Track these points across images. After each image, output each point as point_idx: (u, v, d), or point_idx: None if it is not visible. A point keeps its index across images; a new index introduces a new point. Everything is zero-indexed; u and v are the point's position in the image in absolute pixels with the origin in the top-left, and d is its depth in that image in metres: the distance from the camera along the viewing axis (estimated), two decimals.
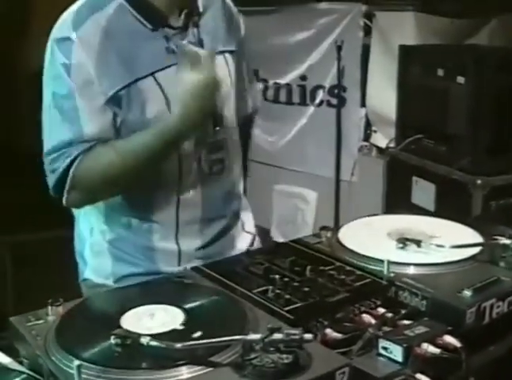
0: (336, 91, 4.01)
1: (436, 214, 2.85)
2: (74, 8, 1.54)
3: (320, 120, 4.13)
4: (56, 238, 2.62)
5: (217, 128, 1.61)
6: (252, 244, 1.82)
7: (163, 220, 1.63)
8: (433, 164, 3.14)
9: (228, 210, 1.75)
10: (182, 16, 1.60)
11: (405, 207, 3.18)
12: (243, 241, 1.79)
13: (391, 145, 3.55)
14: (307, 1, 4.05)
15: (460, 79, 2.94)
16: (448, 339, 1.12)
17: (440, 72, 3.07)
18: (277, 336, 1.01)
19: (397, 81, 3.46)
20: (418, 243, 1.42)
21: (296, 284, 1.29)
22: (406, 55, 3.33)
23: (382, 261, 1.35)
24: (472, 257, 1.40)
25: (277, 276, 1.32)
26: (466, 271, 1.35)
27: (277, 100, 4.36)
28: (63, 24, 1.52)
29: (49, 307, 1.21)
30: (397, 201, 3.32)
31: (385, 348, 1.10)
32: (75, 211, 1.73)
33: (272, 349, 1.00)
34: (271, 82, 4.34)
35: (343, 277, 1.33)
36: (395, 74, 3.49)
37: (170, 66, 1.55)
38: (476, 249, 1.42)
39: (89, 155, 1.51)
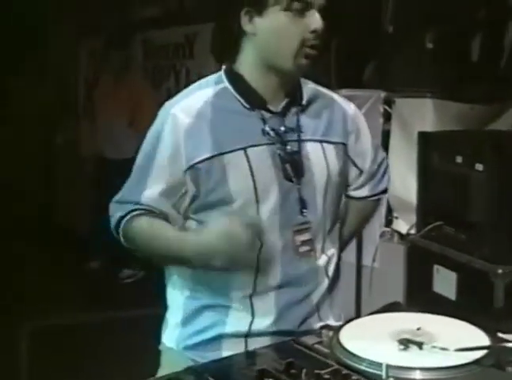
0: None
1: (457, 303, 2.80)
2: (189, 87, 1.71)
3: None
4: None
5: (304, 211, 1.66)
6: None
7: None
8: (454, 251, 3.08)
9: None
10: (283, 103, 1.67)
11: (426, 295, 3.12)
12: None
13: (412, 231, 3.51)
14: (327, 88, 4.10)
15: (479, 166, 2.91)
16: None
17: (458, 159, 3.05)
18: None
19: (417, 167, 3.45)
20: (419, 345, 1.37)
21: None
22: (426, 141, 3.33)
23: (381, 364, 1.30)
24: (477, 361, 1.33)
25: None
26: (471, 377, 1.29)
27: None
28: (174, 98, 1.69)
29: None
30: (419, 288, 3.25)
31: None
32: None
33: None
34: None
35: None
36: (415, 160, 3.48)
37: (262, 145, 1.62)
38: (482, 352, 1.36)
39: (135, 220, 1.66)
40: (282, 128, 1.65)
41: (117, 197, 1.71)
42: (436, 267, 3.18)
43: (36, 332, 3.77)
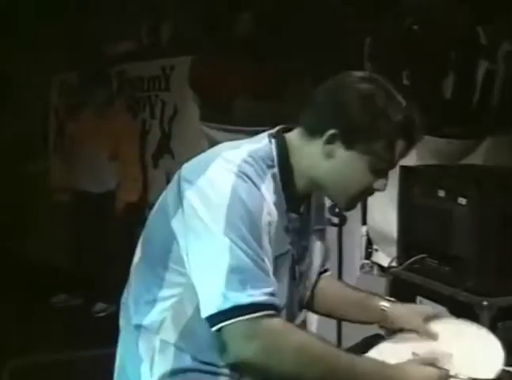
0: (337, 209, 4.05)
1: None
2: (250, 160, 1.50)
3: None
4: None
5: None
6: None
7: None
8: (437, 284, 3.13)
9: None
10: (303, 206, 1.64)
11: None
12: None
13: (393, 264, 3.56)
14: None
15: (462, 200, 2.98)
16: None
17: (441, 193, 3.12)
18: None
19: (398, 201, 3.51)
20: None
21: None
22: (408, 175, 3.39)
23: None
24: None
25: None
26: None
27: None
28: (250, 172, 1.48)
29: None
30: None
31: None
32: None
33: None
34: None
35: None
36: (396, 193, 3.55)
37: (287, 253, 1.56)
38: None
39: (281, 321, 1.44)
40: (299, 227, 1.60)
41: (248, 273, 1.38)
42: (419, 299, 3.22)
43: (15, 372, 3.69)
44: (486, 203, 2.94)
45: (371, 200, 3.93)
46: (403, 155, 1.55)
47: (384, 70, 3.92)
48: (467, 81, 4.06)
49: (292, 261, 1.59)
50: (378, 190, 1.58)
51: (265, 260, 1.41)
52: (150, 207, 1.66)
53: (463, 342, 1.66)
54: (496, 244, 2.94)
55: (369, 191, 1.58)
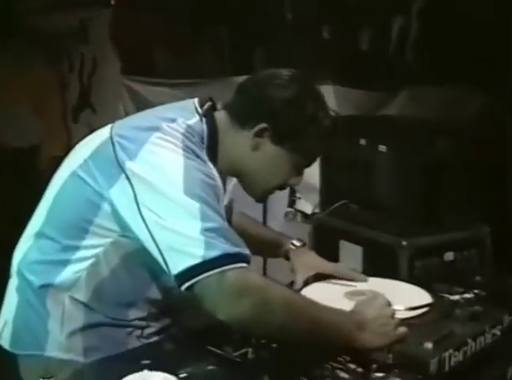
0: None
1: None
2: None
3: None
4: None
5: None
6: None
7: None
8: (359, 227, 3.31)
9: None
10: None
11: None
12: None
13: (316, 210, 3.72)
14: (226, 75, 4.24)
15: (382, 148, 3.16)
16: None
17: (362, 141, 3.29)
18: None
19: None
20: None
21: (272, 345, 1.38)
22: None
23: None
24: (425, 314, 1.54)
25: (253, 340, 1.42)
26: (421, 327, 1.49)
27: None
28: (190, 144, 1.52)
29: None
30: None
31: None
32: None
33: None
34: None
35: None
36: None
37: None
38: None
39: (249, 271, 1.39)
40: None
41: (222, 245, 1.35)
42: (342, 242, 3.41)
43: None
44: (404, 149, 3.13)
45: None
46: (321, 155, 1.68)
47: (304, 24, 4.05)
48: (383, 36, 4.23)
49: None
50: (293, 185, 1.70)
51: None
52: None
53: (385, 283, 1.79)
54: (414, 188, 3.14)
55: (285, 185, 1.67)
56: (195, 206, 1.38)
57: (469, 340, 1.42)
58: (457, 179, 3.22)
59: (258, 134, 1.57)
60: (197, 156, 1.50)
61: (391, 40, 4.27)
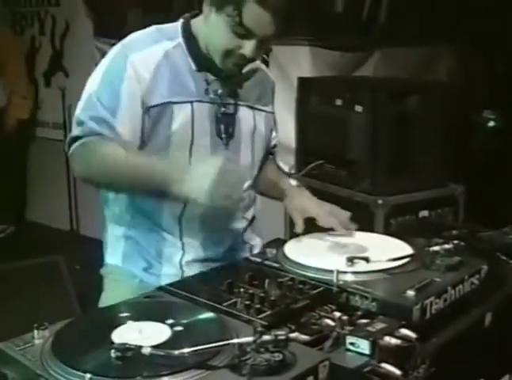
0: None
1: None
2: (143, 33, 1.82)
3: None
4: None
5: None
6: None
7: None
8: (335, 187, 3.37)
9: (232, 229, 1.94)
10: (224, 71, 1.81)
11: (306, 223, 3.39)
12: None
13: (292, 171, 3.75)
14: None
15: (358, 108, 3.20)
16: (405, 331, 1.29)
17: (338, 102, 3.32)
18: (266, 337, 1.13)
19: (296, 110, 3.69)
20: (366, 260, 1.59)
21: (261, 295, 1.42)
22: (306, 86, 3.57)
23: (330, 271, 1.52)
24: (407, 264, 1.59)
25: (241, 290, 1.46)
26: (404, 276, 1.54)
27: None
28: (131, 43, 1.79)
29: (35, 331, 1.27)
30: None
31: (352, 344, 1.26)
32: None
33: (262, 350, 1.13)
34: None
35: (300, 287, 1.48)
36: (294, 104, 3.73)
37: (205, 102, 1.80)
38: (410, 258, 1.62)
39: (100, 143, 1.72)
40: (222, 92, 1.83)
41: (93, 112, 1.73)
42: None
43: None
44: (379, 110, 3.17)
45: None
46: (258, 20, 1.65)
47: None
48: None
49: (217, 120, 1.83)
50: (245, 55, 1.71)
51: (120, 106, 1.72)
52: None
53: (369, 237, 1.85)
54: (389, 148, 3.19)
55: (237, 54, 1.72)
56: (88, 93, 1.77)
57: (449, 288, 1.47)
58: (429, 136, 3.28)
59: (208, 4, 1.74)
60: (129, 49, 1.76)
61: (365, 1, 4.26)
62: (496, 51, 4.62)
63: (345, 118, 3.27)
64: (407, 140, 3.23)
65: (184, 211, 1.83)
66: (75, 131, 1.75)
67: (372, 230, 3.06)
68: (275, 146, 2.15)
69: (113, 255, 1.93)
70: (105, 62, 1.79)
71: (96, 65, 1.82)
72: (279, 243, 1.80)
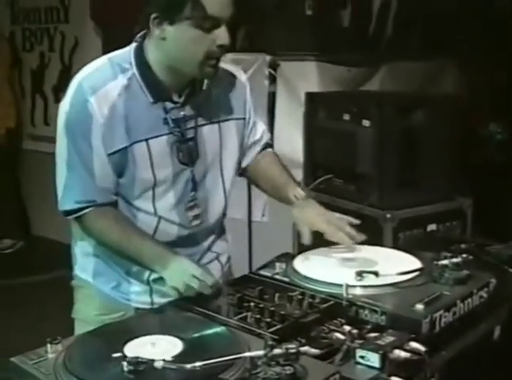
0: None
1: None
2: (93, 69, 1.75)
3: None
4: None
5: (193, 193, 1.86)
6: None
7: None
8: (343, 201, 3.37)
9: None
10: (184, 93, 1.78)
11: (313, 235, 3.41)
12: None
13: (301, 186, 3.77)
14: None
15: (366, 122, 3.21)
16: (414, 345, 1.30)
17: (346, 116, 3.34)
18: (277, 351, 1.15)
19: (304, 125, 3.71)
20: (375, 274, 1.60)
21: (271, 309, 1.43)
22: (313, 101, 3.59)
23: (339, 285, 1.53)
24: (416, 278, 1.60)
25: (251, 304, 1.47)
26: (412, 290, 1.55)
27: None
28: (88, 79, 1.72)
29: (48, 345, 1.29)
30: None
31: (362, 357, 1.27)
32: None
33: (273, 363, 1.14)
34: None
35: (310, 300, 1.49)
36: (301, 119, 3.75)
37: (162, 136, 1.76)
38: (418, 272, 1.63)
39: (101, 210, 1.77)
40: (182, 117, 1.78)
41: (74, 197, 1.76)
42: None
43: None
44: (387, 123, 3.18)
45: (277, 127, 4.11)
46: (218, 3, 1.65)
47: (287, 1, 4.07)
48: (364, 12, 4.25)
49: (177, 149, 1.79)
50: (222, 46, 1.67)
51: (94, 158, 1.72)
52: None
53: (377, 251, 1.86)
54: (397, 161, 3.20)
55: (214, 49, 1.67)
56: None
57: (458, 302, 1.49)
58: (437, 149, 3.28)
59: (157, 25, 1.66)
60: (84, 93, 1.70)
61: (371, 16, 4.29)
62: (500, 65, 4.64)
63: (353, 132, 3.28)
64: (415, 154, 3.24)
65: (155, 232, 1.84)
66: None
67: (380, 244, 3.12)
68: (267, 144, 2.08)
69: (84, 270, 1.95)
70: (66, 115, 1.74)
71: None
72: (288, 257, 1.81)
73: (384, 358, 1.25)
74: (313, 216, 1.90)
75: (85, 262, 1.95)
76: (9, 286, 4.41)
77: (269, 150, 2.09)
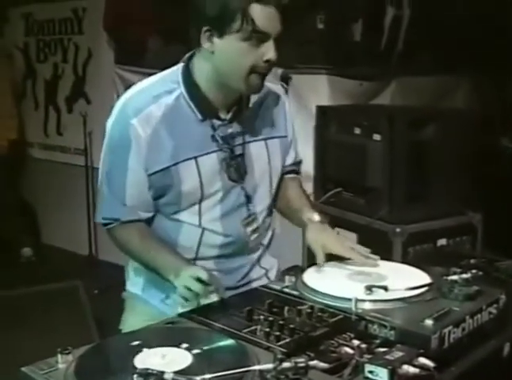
0: None
1: None
2: (138, 90, 1.81)
3: None
4: None
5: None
6: None
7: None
8: (353, 215, 3.38)
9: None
10: (232, 110, 1.83)
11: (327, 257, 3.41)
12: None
13: (311, 199, 3.78)
14: None
15: (376, 136, 3.22)
16: (423, 360, 1.30)
17: (357, 130, 3.35)
18: (286, 364, 1.16)
19: (314, 138, 3.73)
20: (385, 289, 1.60)
21: (280, 322, 1.44)
22: (324, 114, 3.61)
23: (349, 300, 1.53)
24: (425, 293, 1.60)
25: (261, 317, 1.48)
26: (422, 305, 1.55)
27: None
28: (133, 101, 1.78)
29: (59, 355, 1.30)
30: None
31: (371, 372, 1.27)
32: None
33: (282, 377, 1.15)
34: None
35: (319, 314, 1.50)
36: (312, 132, 3.76)
37: (211, 153, 1.79)
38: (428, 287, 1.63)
39: (126, 226, 1.85)
40: (230, 134, 1.83)
41: (102, 213, 1.86)
42: (336, 229, 3.48)
43: None
44: (397, 138, 3.19)
45: None
46: (268, 18, 1.66)
47: (299, 14, 4.09)
48: (375, 26, 4.27)
49: (226, 165, 1.82)
50: (268, 61, 1.69)
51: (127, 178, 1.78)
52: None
53: (387, 265, 1.84)
54: (407, 176, 3.21)
55: (260, 63, 1.69)
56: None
57: (467, 318, 1.49)
58: (447, 164, 3.29)
59: (207, 39, 1.70)
60: (127, 115, 1.76)
61: (383, 30, 4.31)
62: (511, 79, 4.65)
63: (364, 146, 3.29)
64: (425, 168, 3.25)
65: (200, 243, 1.87)
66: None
67: (390, 259, 3.12)
68: (298, 163, 2.12)
69: (134, 285, 2.01)
70: (108, 134, 1.83)
71: (117, 93, 1.85)
72: (298, 271, 1.82)
73: (392, 373, 1.25)
74: (327, 240, 1.89)
75: (135, 277, 2.00)
76: (20, 296, 4.42)
77: (291, 175, 2.10)
